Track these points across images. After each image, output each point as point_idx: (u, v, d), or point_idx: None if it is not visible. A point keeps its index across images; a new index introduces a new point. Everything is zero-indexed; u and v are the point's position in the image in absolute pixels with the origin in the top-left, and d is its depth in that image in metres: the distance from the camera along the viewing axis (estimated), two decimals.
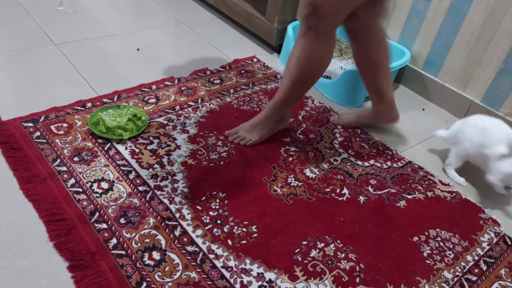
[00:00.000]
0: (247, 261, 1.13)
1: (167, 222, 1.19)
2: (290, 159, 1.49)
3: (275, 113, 1.47)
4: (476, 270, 1.21)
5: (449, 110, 1.91)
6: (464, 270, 1.21)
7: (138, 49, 1.98)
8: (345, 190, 1.39)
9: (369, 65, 1.48)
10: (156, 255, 1.11)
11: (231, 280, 1.08)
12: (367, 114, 1.65)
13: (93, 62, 1.83)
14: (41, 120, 1.46)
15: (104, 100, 1.61)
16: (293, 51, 1.33)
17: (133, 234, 1.14)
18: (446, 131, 1.55)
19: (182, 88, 1.75)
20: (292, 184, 1.38)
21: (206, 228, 1.20)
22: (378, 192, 1.41)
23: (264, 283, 1.09)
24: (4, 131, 1.39)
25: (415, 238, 1.27)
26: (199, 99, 1.70)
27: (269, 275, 1.11)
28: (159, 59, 1.94)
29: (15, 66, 1.73)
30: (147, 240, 1.14)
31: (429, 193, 1.44)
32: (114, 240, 1.12)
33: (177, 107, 1.64)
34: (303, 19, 1.26)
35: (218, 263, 1.11)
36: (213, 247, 1.15)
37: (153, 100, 1.65)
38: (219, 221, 1.22)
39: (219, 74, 1.89)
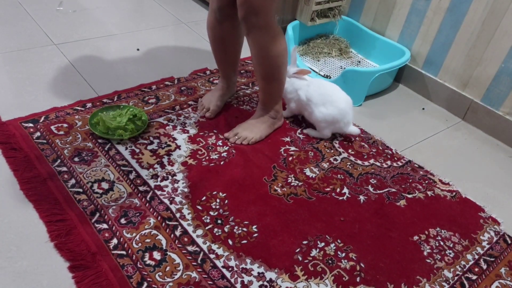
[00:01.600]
0: (248, 260, 1.13)
1: (167, 222, 1.19)
2: (290, 158, 1.49)
3: (266, 110, 1.54)
4: (476, 269, 1.22)
5: (449, 109, 1.91)
6: (464, 269, 1.21)
7: (138, 49, 1.98)
8: (345, 190, 1.40)
9: (237, 41, 1.56)
10: (156, 255, 1.11)
11: (232, 280, 1.08)
12: (225, 90, 1.66)
13: (93, 62, 1.83)
14: (41, 121, 1.46)
15: (104, 100, 1.61)
16: (251, 51, 1.41)
17: (134, 234, 1.14)
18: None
19: (182, 88, 1.75)
20: (292, 184, 1.38)
21: (207, 228, 1.20)
22: (378, 192, 1.41)
23: (265, 283, 1.09)
24: (4, 131, 1.39)
25: (415, 237, 1.27)
26: (199, 99, 1.70)
27: (270, 275, 1.11)
28: (159, 59, 1.94)
29: (15, 67, 1.73)
30: (148, 240, 1.14)
31: (429, 192, 1.44)
32: (115, 240, 1.12)
33: (177, 107, 1.64)
34: (242, 20, 1.31)
35: (219, 263, 1.11)
36: (214, 247, 1.15)
37: (153, 100, 1.65)
38: (219, 221, 1.22)
39: (219, 74, 1.89)
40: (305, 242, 1.20)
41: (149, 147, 1.43)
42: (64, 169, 1.30)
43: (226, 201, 1.28)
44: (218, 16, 1.44)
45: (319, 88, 1.54)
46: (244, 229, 1.21)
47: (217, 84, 1.69)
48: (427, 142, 1.71)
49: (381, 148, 1.61)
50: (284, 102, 1.66)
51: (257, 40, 1.35)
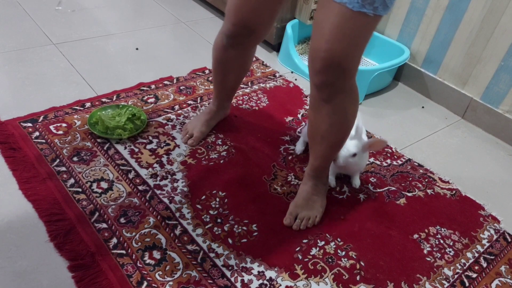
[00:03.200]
0: (248, 259, 1.13)
1: (167, 221, 1.19)
2: (290, 157, 1.48)
3: (321, 177, 1.30)
4: (476, 267, 1.22)
5: (449, 108, 1.91)
6: (464, 267, 1.21)
7: (137, 49, 1.97)
8: (345, 188, 1.39)
9: (242, 69, 1.41)
10: (156, 254, 1.10)
11: (232, 279, 1.08)
12: (214, 114, 1.52)
13: (92, 62, 1.83)
14: (40, 120, 1.46)
15: (103, 99, 1.61)
16: (322, 119, 1.14)
17: (133, 234, 1.14)
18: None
19: (181, 87, 1.75)
20: (292, 183, 1.38)
21: (207, 227, 1.20)
22: (378, 190, 1.41)
23: (265, 282, 1.09)
24: (3, 131, 1.39)
25: (415, 236, 1.27)
26: (198, 98, 1.70)
27: (270, 274, 1.11)
28: (158, 58, 1.94)
29: (14, 66, 1.72)
30: (148, 240, 1.14)
31: (429, 191, 1.44)
32: (114, 240, 1.12)
33: (176, 107, 1.64)
34: (325, 86, 1.05)
35: (219, 262, 1.11)
36: (214, 246, 1.15)
37: (152, 100, 1.65)
38: (219, 220, 1.22)
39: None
40: (305, 240, 1.20)
41: (148, 147, 1.43)
42: (63, 168, 1.30)
43: (226, 200, 1.28)
44: (226, 42, 1.27)
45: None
46: (244, 228, 1.21)
47: (206, 106, 1.56)
48: (426, 140, 1.71)
49: None
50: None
51: (339, 106, 1.10)
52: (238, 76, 1.43)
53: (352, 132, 1.23)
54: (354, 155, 1.27)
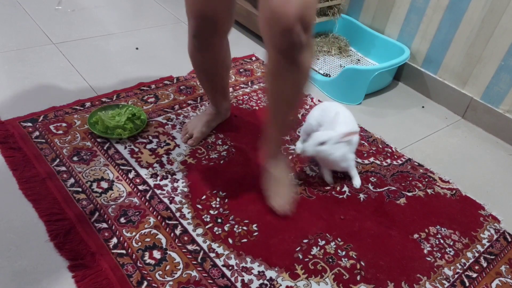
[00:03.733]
0: (248, 259, 1.13)
1: (167, 221, 1.19)
2: (290, 157, 1.48)
3: (281, 151, 1.34)
4: (477, 267, 1.21)
5: (449, 108, 1.91)
6: (465, 267, 1.21)
7: (137, 48, 1.97)
8: (345, 188, 1.39)
9: (223, 67, 1.40)
10: (156, 254, 1.10)
11: (232, 279, 1.08)
12: (214, 116, 1.51)
13: (92, 62, 1.83)
14: (40, 120, 1.46)
15: (103, 99, 1.60)
16: (283, 87, 1.11)
17: (134, 234, 1.14)
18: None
19: (181, 87, 1.75)
20: (292, 183, 1.38)
21: (207, 227, 1.19)
22: (378, 190, 1.41)
23: (265, 282, 1.08)
24: (3, 131, 1.39)
25: (416, 236, 1.27)
26: (198, 98, 1.70)
27: (270, 274, 1.10)
28: (158, 58, 1.93)
29: (14, 66, 1.72)
30: (148, 239, 1.13)
31: (429, 190, 1.44)
32: (115, 240, 1.12)
33: (176, 106, 1.63)
34: (292, 44, 1.00)
35: (219, 262, 1.11)
36: (214, 245, 1.15)
37: (152, 99, 1.65)
38: (219, 220, 1.22)
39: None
40: (305, 240, 1.20)
41: (148, 146, 1.43)
42: (63, 168, 1.30)
43: (226, 200, 1.28)
44: (196, 44, 1.26)
45: (323, 111, 1.39)
46: (244, 227, 1.21)
47: (207, 106, 1.56)
48: (427, 140, 1.71)
49: (381, 146, 1.60)
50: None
51: (304, 64, 1.06)
52: (222, 75, 1.42)
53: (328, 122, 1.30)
54: (322, 143, 1.24)
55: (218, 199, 1.28)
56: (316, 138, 1.26)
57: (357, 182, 1.40)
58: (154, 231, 1.16)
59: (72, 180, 1.26)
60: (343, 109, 1.40)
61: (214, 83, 1.43)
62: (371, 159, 1.53)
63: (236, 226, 1.21)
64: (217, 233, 1.18)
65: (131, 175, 1.31)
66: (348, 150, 1.33)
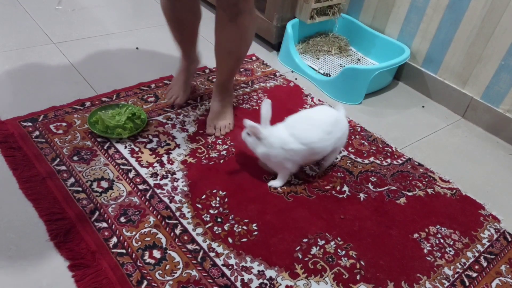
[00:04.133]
0: (248, 259, 1.13)
1: (167, 220, 1.19)
2: None
3: (228, 90, 1.56)
4: (477, 267, 1.21)
5: (449, 107, 1.91)
6: (465, 267, 1.21)
7: (137, 48, 1.97)
8: (345, 188, 1.39)
9: (195, 17, 1.52)
10: (156, 253, 1.10)
11: (232, 278, 1.08)
12: (189, 72, 1.64)
13: (92, 61, 1.83)
14: (40, 120, 1.46)
15: (103, 99, 1.61)
16: (225, 36, 1.38)
17: (134, 233, 1.14)
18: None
19: None
20: (292, 182, 1.38)
21: (207, 226, 1.19)
22: (378, 189, 1.41)
23: (265, 281, 1.09)
24: (3, 130, 1.39)
25: (416, 235, 1.27)
26: (198, 98, 1.70)
27: (270, 273, 1.10)
28: (158, 57, 1.93)
29: (14, 65, 1.72)
30: (148, 239, 1.13)
31: (429, 190, 1.44)
32: (115, 239, 1.12)
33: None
34: (228, 6, 1.29)
35: (219, 261, 1.11)
36: (214, 245, 1.15)
37: (152, 99, 1.65)
38: (219, 219, 1.22)
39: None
40: (305, 240, 1.20)
41: (148, 146, 1.43)
42: (63, 168, 1.30)
43: (226, 200, 1.28)
44: None
45: (296, 121, 1.27)
46: (244, 227, 1.21)
47: (179, 66, 1.65)
48: (427, 139, 1.71)
49: (381, 146, 1.60)
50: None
51: (243, 25, 1.34)
52: (194, 26, 1.55)
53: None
54: (248, 134, 1.28)
55: (218, 199, 1.28)
56: (247, 125, 1.25)
57: (272, 183, 1.33)
58: (154, 230, 1.16)
59: (72, 180, 1.26)
60: (325, 115, 1.29)
61: (186, 33, 1.55)
62: (371, 159, 1.53)
63: (236, 225, 1.21)
64: (217, 232, 1.18)
65: (131, 175, 1.31)
66: (273, 152, 1.24)
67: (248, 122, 1.24)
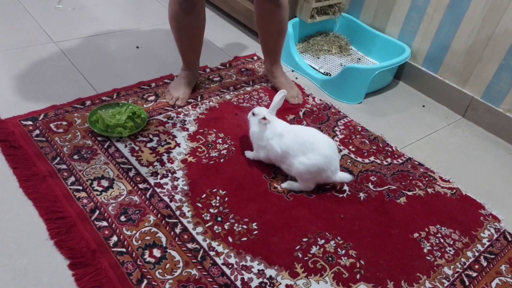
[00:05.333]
0: (248, 258, 1.13)
1: (167, 219, 1.19)
2: None
3: (279, 63, 1.80)
4: (477, 266, 1.21)
5: (449, 107, 1.91)
6: (465, 266, 1.21)
7: (137, 47, 1.97)
8: (345, 187, 1.39)
9: (202, 28, 1.61)
10: (156, 252, 1.11)
11: (232, 277, 1.08)
12: (191, 77, 1.70)
13: (92, 60, 1.83)
14: (40, 118, 1.46)
15: (103, 98, 1.61)
16: (273, 25, 1.62)
17: (134, 232, 1.14)
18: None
19: None
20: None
21: (207, 225, 1.20)
22: (378, 189, 1.41)
23: (265, 280, 1.09)
24: (3, 129, 1.39)
25: (416, 235, 1.27)
26: (199, 97, 1.70)
27: (270, 272, 1.11)
28: (158, 56, 1.93)
29: (14, 64, 1.72)
30: (148, 238, 1.14)
31: (429, 190, 1.44)
32: (115, 238, 1.12)
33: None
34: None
35: (219, 260, 1.11)
36: (214, 244, 1.15)
37: (152, 98, 1.65)
38: (219, 218, 1.22)
39: (218, 72, 1.88)
40: (305, 239, 1.20)
41: (149, 145, 1.43)
42: (64, 166, 1.30)
43: (226, 199, 1.28)
44: (184, 6, 1.45)
45: (295, 136, 1.30)
46: (244, 226, 1.21)
47: (180, 73, 1.69)
48: (427, 139, 1.70)
49: (381, 145, 1.60)
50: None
51: (285, 5, 1.56)
52: (202, 35, 1.61)
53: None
54: (252, 114, 1.41)
55: (218, 198, 1.28)
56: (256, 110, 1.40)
57: (247, 152, 1.45)
58: (154, 229, 1.16)
59: (72, 179, 1.26)
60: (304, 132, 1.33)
61: (194, 42, 1.60)
62: (372, 158, 1.53)
63: (236, 224, 1.21)
64: (217, 231, 1.18)
65: (131, 174, 1.31)
66: (260, 135, 1.36)
67: (260, 109, 1.41)
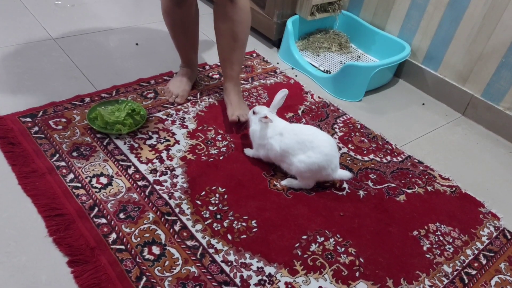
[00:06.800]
0: (247, 255, 1.13)
1: (166, 217, 1.19)
2: None
3: (237, 80, 1.60)
4: (476, 264, 1.21)
5: (449, 105, 1.91)
6: (464, 264, 1.21)
7: (136, 44, 1.97)
8: (345, 185, 1.39)
9: (195, 21, 1.59)
10: (155, 249, 1.10)
11: (231, 275, 1.08)
12: (191, 74, 1.70)
13: (92, 57, 1.82)
14: (39, 115, 1.45)
15: (103, 95, 1.60)
16: (229, 26, 1.46)
17: (133, 229, 1.14)
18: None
19: None
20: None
21: (206, 222, 1.19)
22: (378, 187, 1.41)
23: (264, 277, 1.09)
24: (2, 126, 1.38)
25: (415, 232, 1.27)
26: (198, 94, 1.70)
27: (269, 269, 1.10)
28: (158, 53, 1.93)
29: (13, 61, 1.72)
30: (147, 235, 1.13)
31: (429, 188, 1.44)
32: (114, 235, 1.12)
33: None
34: None
35: (218, 258, 1.11)
36: (213, 241, 1.15)
37: (151, 95, 1.65)
38: (218, 216, 1.22)
39: (218, 69, 1.88)
40: (304, 237, 1.20)
41: (148, 142, 1.43)
42: (63, 163, 1.29)
43: (226, 196, 1.28)
44: (175, 1, 1.45)
45: (295, 135, 1.30)
46: (244, 223, 1.21)
47: (179, 70, 1.69)
48: (427, 137, 1.70)
49: (381, 143, 1.60)
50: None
51: (243, 4, 1.42)
52: (196, 29, 1.59)
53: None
54: (254, 112, 1.41)
55: (217, 195, 1.28)
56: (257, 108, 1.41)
57: (246, 150, 1.44)
58: (153, 226, 1.16)
59: (71, 176, 1.26)
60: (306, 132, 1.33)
61: (189, 37, 1.59)
62: (371, 156, 1.53)
63: (235, 222, 1.21)
64: (216, 229, 1.18)
65: (130, 171, 1.31)
66: (261, 134, 1.36)
67: (261, 107, 1.40)
